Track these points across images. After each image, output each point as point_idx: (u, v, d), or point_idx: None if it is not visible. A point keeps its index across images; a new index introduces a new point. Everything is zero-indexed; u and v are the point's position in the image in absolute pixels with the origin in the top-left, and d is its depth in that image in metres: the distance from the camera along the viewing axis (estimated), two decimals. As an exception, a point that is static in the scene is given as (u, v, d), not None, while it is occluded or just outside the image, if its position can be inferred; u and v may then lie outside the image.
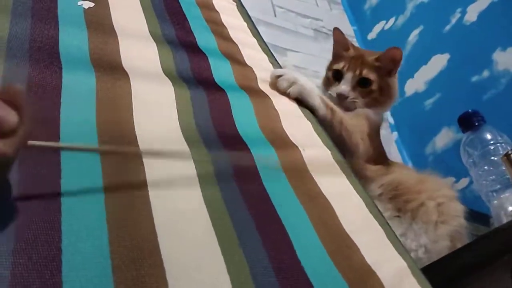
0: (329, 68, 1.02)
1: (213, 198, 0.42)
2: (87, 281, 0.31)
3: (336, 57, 1.02)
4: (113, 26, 0.62)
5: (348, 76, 0.94)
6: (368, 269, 0.43)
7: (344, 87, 0.93)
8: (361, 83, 0.94)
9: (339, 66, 0.97)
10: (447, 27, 1.60)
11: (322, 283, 0.39)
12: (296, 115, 0.64)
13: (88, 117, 0.45)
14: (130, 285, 0.32)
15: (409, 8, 1.76)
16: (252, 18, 0.85)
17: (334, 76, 0.97)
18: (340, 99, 0.92)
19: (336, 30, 1.03)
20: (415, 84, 1.65)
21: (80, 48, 0.55)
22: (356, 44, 1.86)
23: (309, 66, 1.61)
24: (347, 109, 0.90)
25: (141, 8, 0.69)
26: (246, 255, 0.38)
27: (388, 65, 0.97)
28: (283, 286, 0.37)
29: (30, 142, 0.33)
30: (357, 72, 0.94)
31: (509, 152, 0.69)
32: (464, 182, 1.39)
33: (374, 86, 0.94)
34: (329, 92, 0.95)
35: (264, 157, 0.52)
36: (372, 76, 0.94)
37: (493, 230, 0.54)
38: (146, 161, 0.42)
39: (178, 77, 0.58)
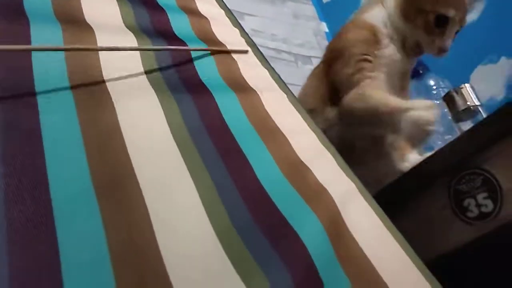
0: (428, 8, 0.81)
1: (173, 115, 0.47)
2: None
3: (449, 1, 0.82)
4: (73, -17, 0.64)
5: (454, 28, 0.81)
6: (320, 186, 0.48)
7: (449, 42, 0.82)
8: (456, 33, 0.83)
9: (448, 12, 0.80)
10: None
11: (280, 199, 0.44)
12: (253, 64, 0.69)
13: (58, 67, 0.48)
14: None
15: (362, -30, 1.80)
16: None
17: (435, 24, 0.80)
18: (440, 55, 0.83)
19: None
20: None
21: (44, 4, 0.57)
22: (312, 8, 1.90)
23: (267, 29, 1.64)
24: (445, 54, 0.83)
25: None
26: (213, 178, 0.43)
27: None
28: (246, 200, 0.42)
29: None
30: (460, 24, 0.82)
31: (449, 92, 0.75)
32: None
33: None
34: (425, 41, 0.82)
35: (228, 102, 0.56)
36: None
37: (430, 155, 0.60)
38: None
39: (140, 31, 0.61)
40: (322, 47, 1.75)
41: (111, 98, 0.47)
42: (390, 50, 0.81)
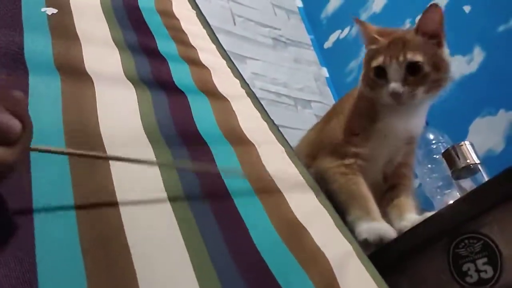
0: (367, 67, 0.82)
1: (175, 188, 0.46)
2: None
3: (371, 53, 0.82)
4: (76, 32, 0.64)
5: (393, 68, 0.76)
6: (317, 249, 0.47)
7: (393, 85, 0.75)
8: (410, 71, 0.75)
9: (378, 61, 0.78)
10: (398, 37, 1.69)
11: (276, 265, 0.43)
12: (252, 116, 0.68)
13: (55, 119, 0.48)
14: None
15: (363, 18, 1.83)
16: (212, 27, 0.89)
17: (377, 76, 0.78)
18: (397, 100, 0.75)
19: (356, 21, 0.88)
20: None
21: (45, 53, 0.57)
22: (313, 53, 1.93)
23: (268, 73, 1.66)
24: (407, 106, 0.78)
25: (103, 15, 0.72)
26: (208, 247, 0.42)
27: (432, 32, 0.77)
28: (241, 269, 0.41)
29: (34, 146, 0.34)
30: (401, 59, 0.75)
31: (449, 149, 0.75)
32: (416, 182, 1.47)
33: (426, 68, 0.75)
34: (380, 96, 0.78)
35: (224, 156, 0.56)
36: (419, 56, 0.75)
37: (430, 216, 0.59)
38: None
39: (140, 81, 0.61)
40: (322, 92, 1.76)
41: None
42: (386, 122, 0.79)
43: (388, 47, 0.77)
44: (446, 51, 0.80)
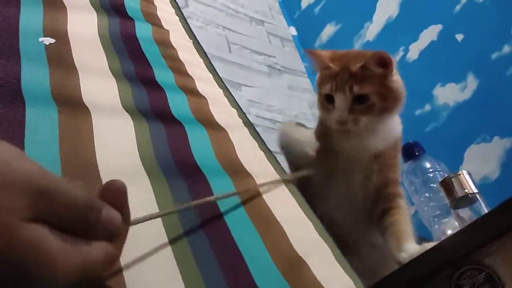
0: (319, 92, 0.85)
1: (171, 220, 0.45)
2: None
3: (322, 79, 0.84)
4: (74, 62, 0.64)
5: (339, 98, 0.78)
6: (318, 284, 0.46)
7: (339, 113, 0.78)
8: (357, 101, 0.78)
9: (326, 89, 0.81)
10: (392, 64, 1.71)
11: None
12: (250, 146, 0.68)
13: (51, 152, 0.47)
14: None
15: (357, 47, 1.86)
16: (208, 55, 0.90)
17: (327, 101, 0.82)
18: (342, 126, 0.78)
19: (307, 52, 0.90)
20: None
21: (42, 84, 0.56)
22: (308, 80, 1.94)
23: (263, 100, 1.66)
24: (350, 134, 0.80)
25: (101, 45, 0.72)
26: (206, 280, 0.41)
27: (379, 71, 0.79)
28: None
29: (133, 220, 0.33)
30: (348, 91, 0.77)
31: (446, 179, 0.75)
32: (412, 209, 1.46)
33: (373, 98, 0.77)
34: (328, 119, 0.81)
35: (222, 187, 0.55)
36: (366, 88, 0.77)
37: (432, 247, 0.58)
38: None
39: (137, 111, 0.61)
40: (316, 118, 1.77)
41: None
42: (340, 143, 0.81)
43: (337, 76, 0.79)
44: (395, 78, 0.82)
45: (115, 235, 0.29)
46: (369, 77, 0.78)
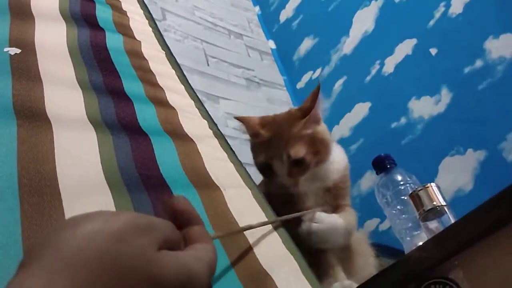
0: (254, 160, 0.84)
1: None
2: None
3: (255, 148, 0.84)
4: (39, 73, 0.63)
5: (278, 165, 0.78)
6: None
7: (280, 179, 0.78)
8: (294, 164, 0.77)
9: (261, 158, 0.80)
10: (368, 78, 1.72)
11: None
12: (219, 158, 0.67)
13: (8, 166, 0.45)
14: None
15: (334, 60, 1.87)
16: (186, 68, 0.89)
17: (264, 169, 0.81)
18: (287, 189, 0.79)
19: (238, 119, 0.87)
20: (340, 130, 1.74)
21: (4, 95, 0.55)
22: (286, 93, 1.95)
23: (241, 113, 1.66)
24: (295, 191, 0.79)
25: (69, 55, 0.71)
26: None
27: (311, 125, 0.81)
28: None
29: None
30: (284, 158, 0.76)
31: (415, 191, 0.75)
32: (388, 223, 1.46)
33: (308, 158, 0.78)
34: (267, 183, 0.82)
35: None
36: (301, 151, 0.77)
37: (396, 261, 0.58)
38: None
39: (102, 123, 0.60)
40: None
41: None
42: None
43: (271, 143, 0.79)
44: (322, 127, 0.84)
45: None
46: (301, 138, 0.78)
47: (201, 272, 0.28)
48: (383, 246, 0.98)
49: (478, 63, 1.42)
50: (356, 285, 0.66)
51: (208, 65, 1.73)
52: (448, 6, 1.54)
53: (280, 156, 0.77)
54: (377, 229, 1.48)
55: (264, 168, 0.80)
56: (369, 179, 1.58)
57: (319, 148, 0.80)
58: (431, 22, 1.57)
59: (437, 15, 1.56)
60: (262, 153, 0.79)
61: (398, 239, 0.97)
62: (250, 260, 0.50)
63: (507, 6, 1.41)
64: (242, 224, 0.54)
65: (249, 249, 0.51)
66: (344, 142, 1.71)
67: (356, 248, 0.83)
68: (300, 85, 2.01)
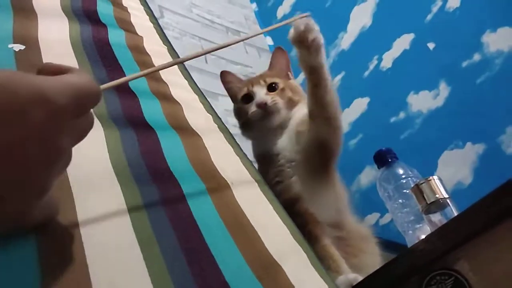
0: (236, 105, 1.02)
1: (141, 226, 0.44)
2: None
3: (237, 90, 1.02)
4: (44, 69, 0.63)
5: (257, 88, 0.96)
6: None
7: (259, 96, 0.94)
8: (270, 89, 0.95)
9: (244, 91, 0.98)
10: (366, 73, 1.73)
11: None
12: (225, 151, 0.68)
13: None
14: None
15: (332, 56, 1.88)
16: (184, 64, 0.89)
17: (245, 102, 0.97)
18: (262, 108, 0.91)
19: (223, 73, 1.09)
20: (340, 125, 1.75)
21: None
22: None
23: (240, 109, 1.66)
24: (272, 115, 0.92)
25: (72, 52, 0.71)
26: (175, 282, 0.40)
27: (281, 69, 1.02)
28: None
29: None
30: (262, 82, 0.96)
31: (417, 184, 0.75)
32: (388, 217, 1.47)
33: (282, 84, 0.96)
34: (250, 117, 0.93)
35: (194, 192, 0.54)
36: (276, 79, 0.97)
37: (401, 254, 0.58)
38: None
39: (109, 118, 0.60)
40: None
41: None
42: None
43: (251, 80, 1.01)
44: (294, 82, 1.04)
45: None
46: (276, 75, 0.99)
47: (57, 91, 0.31)
48: (384, 240, 0.99)
49: (476, 56, 1.43)
50: (362, 278, 0.66)
51: (206, 62, 1.73)
52: (445, 0, 1.55)
53: (259, 82, 0.97)
54: (377, 223, 1.49)
55: (244, 101, 0.97)
56: (368, 174, 1.59)
57: (292, 90, 0.97)
58: (429, 17, 1.58)
59: (435, 9, 1.57)
60: (244, 88, 0.98)
61: (399, 233, 0.98)
62: (259, 250, 0.50)
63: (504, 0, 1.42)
64: (252, 218, 0.54)
65: (259, 240, 0.52)
66: (343, 138, 1.72)
67: (362, 246, 0.84)
68: (298, 80, 2.01)
